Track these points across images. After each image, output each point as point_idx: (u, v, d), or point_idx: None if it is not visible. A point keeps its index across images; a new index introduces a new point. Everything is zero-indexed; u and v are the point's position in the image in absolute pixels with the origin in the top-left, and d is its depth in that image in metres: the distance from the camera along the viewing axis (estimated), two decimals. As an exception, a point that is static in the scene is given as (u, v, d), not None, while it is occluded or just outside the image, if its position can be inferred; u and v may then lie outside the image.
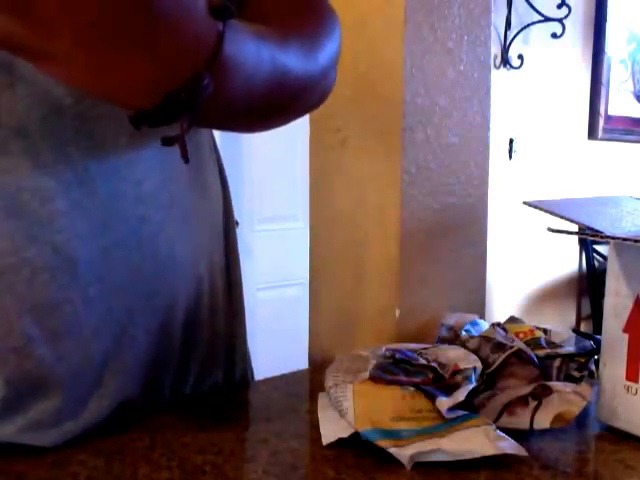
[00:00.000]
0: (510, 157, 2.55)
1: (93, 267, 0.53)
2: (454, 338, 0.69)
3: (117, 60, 0.34)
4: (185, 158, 0.40)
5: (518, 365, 0.60)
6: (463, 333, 0.68)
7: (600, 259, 2.79)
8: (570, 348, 0.66)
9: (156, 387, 0.61)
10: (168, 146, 0.39)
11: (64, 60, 0.34)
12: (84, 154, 0.52)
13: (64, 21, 0.32)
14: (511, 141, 2.53)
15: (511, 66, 2.49)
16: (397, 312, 0.76)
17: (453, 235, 0.82)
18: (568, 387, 0.57)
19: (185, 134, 0.38)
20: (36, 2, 0.31)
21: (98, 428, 0.55)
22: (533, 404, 0.56)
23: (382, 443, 0.51)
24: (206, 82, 0.37)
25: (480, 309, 0.85)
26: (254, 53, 0.41)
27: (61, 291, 0.51)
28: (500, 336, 0.64)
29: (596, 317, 2.75)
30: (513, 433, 0.52)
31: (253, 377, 0.73)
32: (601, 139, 2.85)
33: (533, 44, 2.55)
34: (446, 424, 0.51)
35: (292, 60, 0.47)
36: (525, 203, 0.66)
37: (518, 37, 2.47)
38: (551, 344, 0.67)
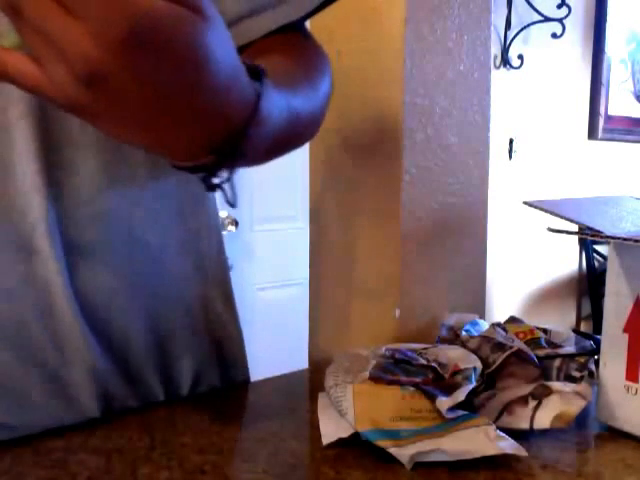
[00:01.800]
0: (510, 157, 2.55)
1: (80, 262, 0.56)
2: (454, 338, 0.69)
3: (171, 126, 0.37)
4: (230, 203, 0.43)
5: (518, 365, 0.60)
6: (463, 333, 0.68)
7: (600, 259, 2.79)
8: (570, 348, 0.66)
9: (145, 386, 0.62)
10: (212, 192, 0.43)
11: (124, 124, 0.36)
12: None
13: (140, 97, 0.34)
14: (511, 141, 2.53)
15: (511, 66, 2.49)
16: (397, 312, 0.76)
17: (453, 235, 0.82)
18: (568, 387, 0.57)
19: (229, 181, 0.43)
20: (109, 77, 0.32)
21: (94, 425, 0.56)
22: (533, 404, 0.56)
23: (382, 443, 0.51)
24: (250, 135, 0.40)
25: (480, 309, 0.85)
26: (278, 104, 0.45)
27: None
28: (500, 336, 0.64)
29: (596, 317, 2.75)
30: (513, 433, 0.52)
31: (249, 380, 0.73)
32: (601, 139, 2.85)
33: (533, 44, 2.55)
34: (446, 424, 0.51)
35: (300, 104, 0.51)
36: (525, 203, 0.66)
37: (518, 37, 2.47)
38: (551, 344, 0.67)
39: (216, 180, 0.43)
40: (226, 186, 0.44)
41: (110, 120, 0.36)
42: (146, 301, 0.61)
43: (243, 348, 0.71)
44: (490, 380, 0.60)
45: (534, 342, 0.67)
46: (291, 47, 0.58)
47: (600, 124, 2.82)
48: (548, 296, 2.79)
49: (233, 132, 0.39)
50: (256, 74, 0.41)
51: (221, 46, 0.35)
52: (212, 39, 0.34)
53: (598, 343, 0.61)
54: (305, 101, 0.53)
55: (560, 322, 2.78)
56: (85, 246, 0.57)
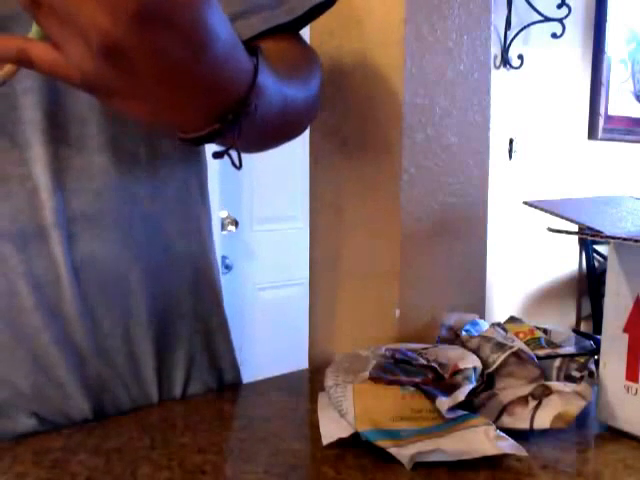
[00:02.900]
0: (510, 157, 2.55)
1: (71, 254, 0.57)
2: (454, 338, 0.69)
3: (179, 98, 0.40)
4: (235, 166, 0.47)
5: (518, 365, 0.60)
6: (463, 333, 0.68)
7: (600, 259, 2.79)
8: (570, 348, 0.66)
9: (140, 383, 0.62)
10: (218, 159, 0.46)
11: (137, 98, 0.39)
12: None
13: (151, 68, 0.37)
14: (511, 141, 2.53)
15: (511, 66, 2.49)
16: (397, 312, 0.76)
17: (453, 235, 0.82)
18: (568, 387, 0.57)
19: (234, 147, 0.46)
20: (123, 48, 0.35)
21: (93, 424, 0.56)
22: (533, 404, 0.56)
23: (382, 443, 0.51)
24: (253, 104, 0.44)
25: (480, 309, 0.84)
26: (272, 83, 0.48)
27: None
28: (500, 336, 0.64)
29: (596, 317, 2.75)
30: (513, 433, 0.52)
31: (241, 381, 0.73)
32: (601, 139, 2.85)
33: (533, 44, 2.55)
34: (446, 424, 0.51)
35: (292, 93, 0.55)
36: (525, 203, 0.66)
37: (518, 37, 2.47)
38: (551, 344, 0.67)
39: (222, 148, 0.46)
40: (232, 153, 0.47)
41: (124, 95, 0.39)
42: (146, 279, 0.62)
43: (232, 344, 0.71)
44: (490, 380, 0.60)
45: (534, 342, 0.67)
46: (283, 48, 0.60)
47: (600, 124, 2.82)
48: (548, 296, 2.79)
49: (235, 101, 0.43)
50: (251, 51, 0.45)
51: (219, 19, 0.38)
52: (212, 12, 0.37)
53: (598, 343, 0.61)
54: (296, 92, 0.56)
55: (560, 322, 2.78)
56: (87, 222, 0.58)
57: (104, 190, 0.58)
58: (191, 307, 0.66)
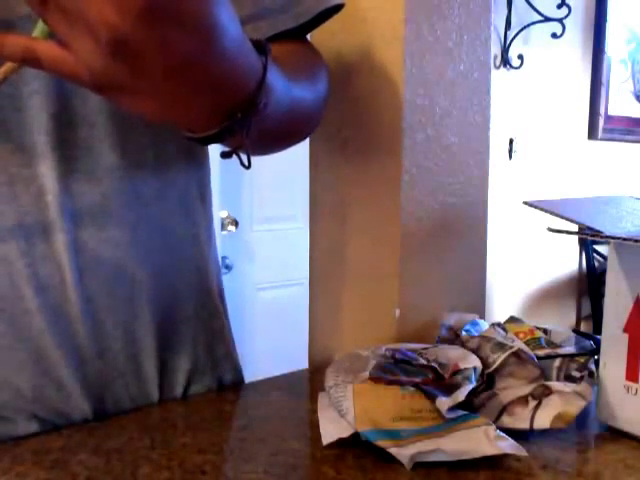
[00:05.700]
0: (510, 157, 2.55)
1: (74, 253, 0.57)
2: (454, 338, 0.69)
3: (188, 95, 0.40)
4: (244, 165, 0.46)
5: (518, 365, 0.60)
6: (463, 333, 0.68)
7: (600, 259, 2.79)
8: (570, 348, 0.66)
9: (141, 384, 0.62)
10: (227, 158, 0.46)
11: (146, 95, 0.39)
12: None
13: (160, 63, 0.36)
14: (511, 141, 2.53)
15: (511, 66, 2.49)
16: (397, 312, 0.76)
17: (453, 235, 0.82)
18: (568, 387, 0.57)
19: (242, 146, 0.45)
20: (131, 43, 0.35)
21: (93, 425, 0.56)
22: (533, 404, 0.56)
23: (382, 443, 0.51)
24: (262, 102, 0.44)
25: (480, 309, 0.84)
26: (280, 83, 0.48)
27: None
28: (500, 336, 0.64)
29: (596, 317, 2.75)
30: (513, 433, 0.52)
31: (243, 380, 0.73)
32: (601, 139, 2.85)
33: (533, 44, 2.55)
34: (446, 424, 0.51)
35: (299, 93, 0.55)
36: (525, 203, 0.66)
37: (518, 37, 2.47)
38: (551, 344, 0.67)
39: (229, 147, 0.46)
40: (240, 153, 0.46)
41: (132, 92, 0.39)
42: (150, 281, 0.62)
43: (233, 346, 0.71)
44: (490, 380, 0.60)
45: (534, 342, 0.67)
46: (290, 51, 0.60)
47: (600, 124, 2.82)
48: (548, 296, 2.79)
49: (244, 99, 0.43)
50: (260, 49, 0.45)
51: (228, 15, 0.38)
52: (220, 7, 0.37)
53: (598, 343, 0.61)
54: (304, 92, 0.56)
55: (560, 322, 2.78)
56: (92, 224, 0.58)
57: (110, 192, 0.58)
58: (193, 310, 0.66)
